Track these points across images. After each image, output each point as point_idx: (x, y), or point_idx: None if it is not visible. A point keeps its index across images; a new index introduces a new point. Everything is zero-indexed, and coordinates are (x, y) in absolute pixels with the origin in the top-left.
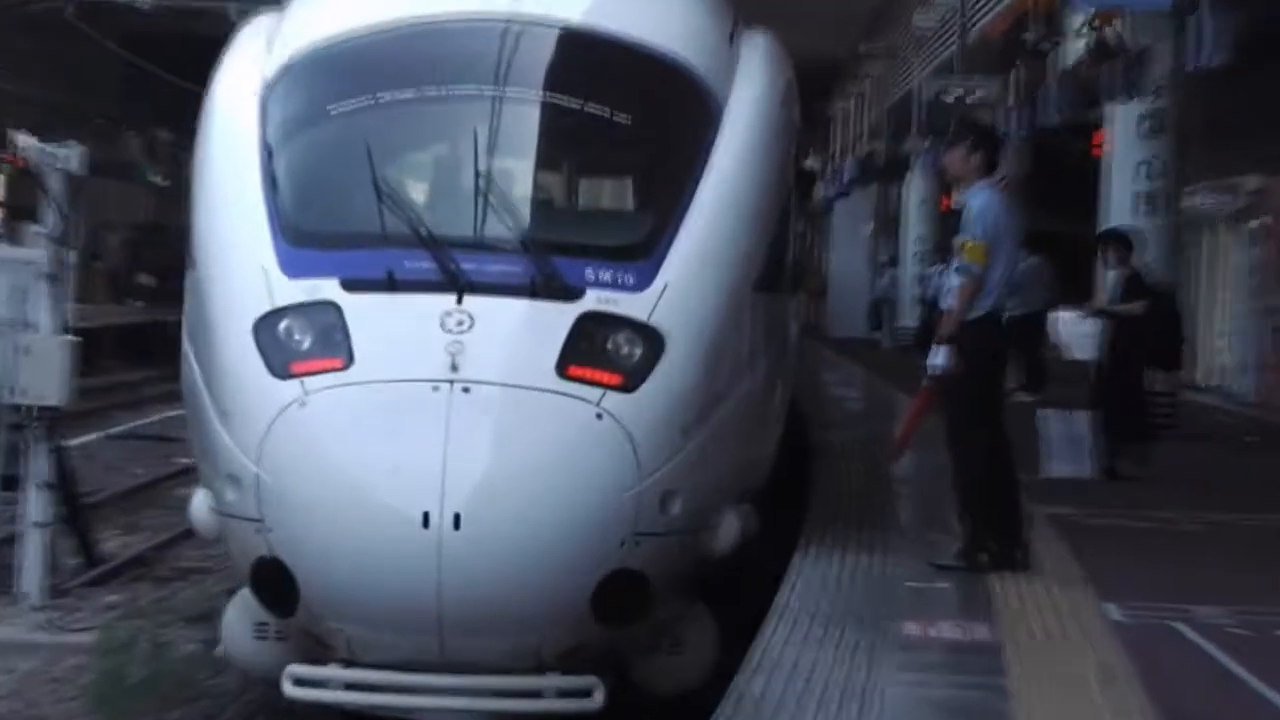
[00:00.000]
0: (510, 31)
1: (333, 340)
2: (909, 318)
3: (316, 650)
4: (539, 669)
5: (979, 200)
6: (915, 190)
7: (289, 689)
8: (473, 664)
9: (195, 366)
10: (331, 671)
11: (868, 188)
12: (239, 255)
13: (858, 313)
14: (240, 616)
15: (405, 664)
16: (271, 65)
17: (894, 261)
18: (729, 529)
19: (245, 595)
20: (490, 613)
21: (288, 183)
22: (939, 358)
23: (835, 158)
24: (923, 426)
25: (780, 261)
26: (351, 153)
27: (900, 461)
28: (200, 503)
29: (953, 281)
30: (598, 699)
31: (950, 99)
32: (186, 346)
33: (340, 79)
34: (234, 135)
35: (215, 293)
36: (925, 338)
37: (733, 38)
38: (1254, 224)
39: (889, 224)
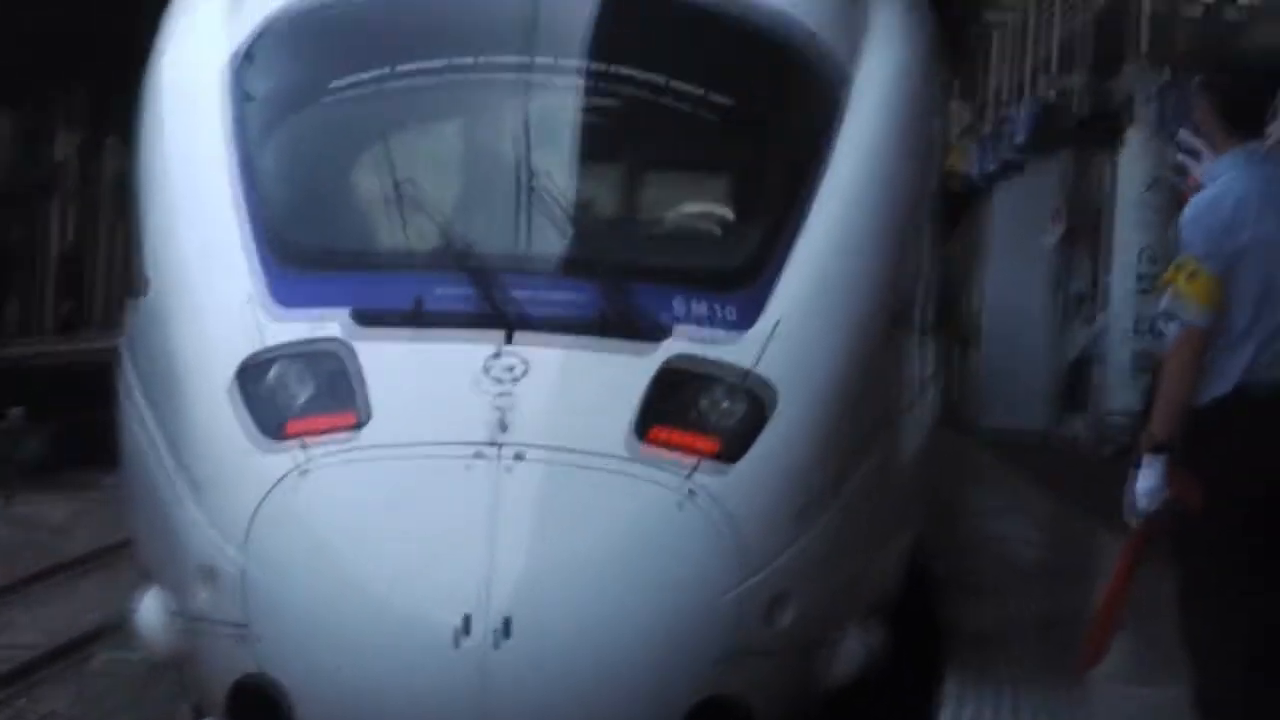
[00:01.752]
0: None
1: (341, 391)
2: (1126, 394)
3: None
4: None
5: (1208, 192)
6: (1137, 164)
7: None
8: None
9: (149, 423)
10: None
11: (1051, 159)
12: (212, 280)
13: (1031, 385)
14: None
15: None
16: (241, 28)
17: (1101, 295)
18: (853, 650)
19: None
20: None
21: (275, 185)
22: (1145, 481)
23: (994, 106)
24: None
25: (924, 293)
26: (360, 144)
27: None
28: (151, 605)
29: (1169, 335)
30: None
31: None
32: (134, 396)
33: (341, 46)
34: (195, 122)
35: (180, 328)
36: None
37: None
38: None
39: (1090, 225)
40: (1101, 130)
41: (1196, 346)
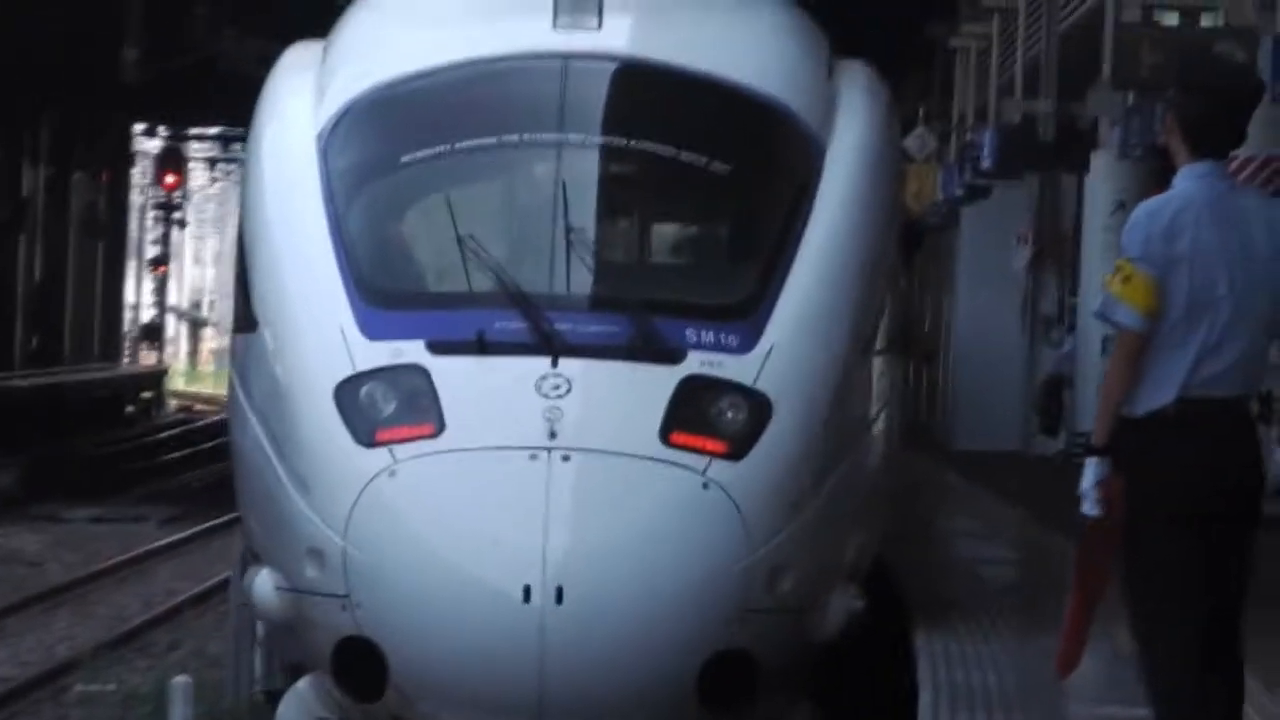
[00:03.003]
0: (593, 71)
1: (421, 406)
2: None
3: None
4: None
5: (1151, 200)
6: (1104, 186)
7: None
8: None
9: (260, 434)
10: None
11: (1018, 182)
12: (313, 317)
13: (1003, 406)
14: (297, 713)
15: None
16: (326, 110)
17: (1069, 320)
18: (837, 610)
19: (301, 690)
20: (593, 692)
21: (361, 239)
22: (1084, 483)
23: (960, 127)
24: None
25: (890, 320)
26: (429, 205)
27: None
28: (264, 581)
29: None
30: None
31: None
32: (245, 412)
33: (409, 125)
34: (293, 188)
35: (287, 357)
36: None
37: (830, 71)
38: None
39: (1058, 248)
40: (1068, 153)
41: (1129, 350)
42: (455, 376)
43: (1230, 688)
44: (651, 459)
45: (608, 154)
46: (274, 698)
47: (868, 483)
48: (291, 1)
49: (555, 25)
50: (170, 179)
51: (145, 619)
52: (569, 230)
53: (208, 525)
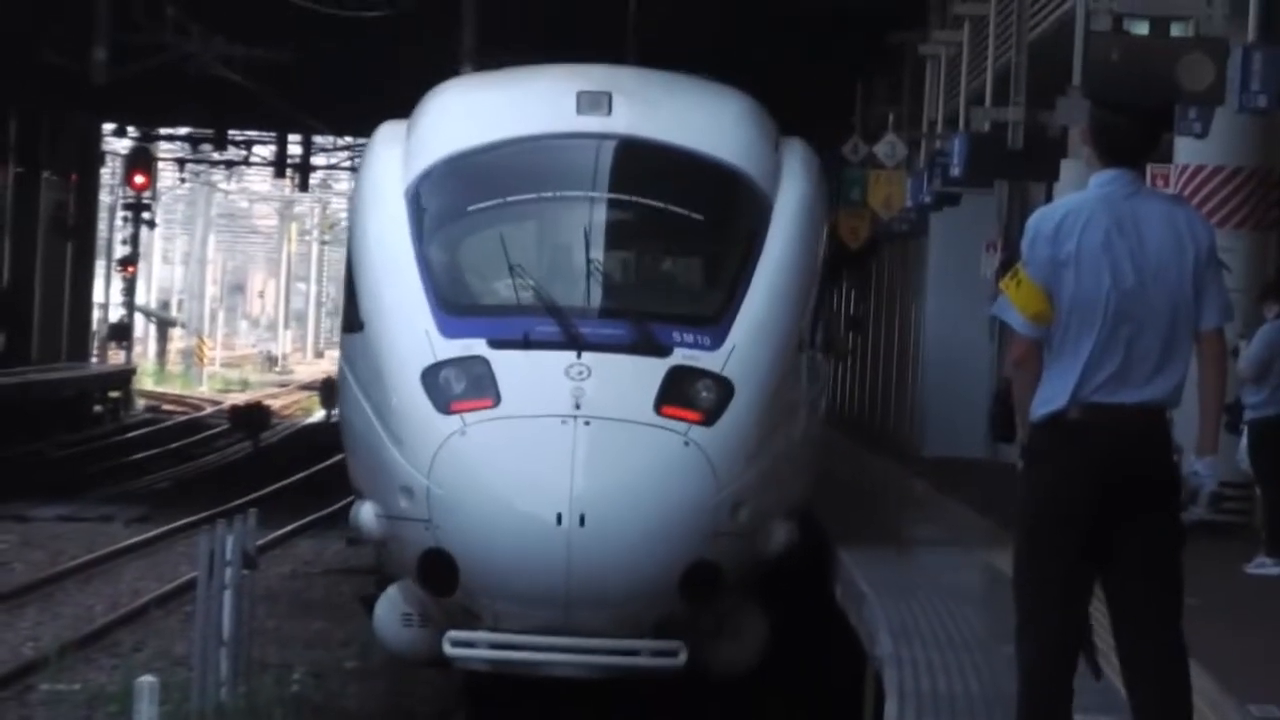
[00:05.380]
0: (606, 146)
1: (484, 386)
2: None
3: (459, 626)
4: (638, 635)
5: (1048, 205)
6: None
7: (449, 649)
8: (589, 630)
9: (365, 406)
10: (481, 635)
11: (989, 189)
12: (405, 321)
13: (971, 414)
14: (389, 611)
15: (537, 630)
16: (411, 172)
17: None
18: (779, 535)
19: (391, 593)
20: (605, 589)
21: (438, 265)
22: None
23: (930, 134)
24: None
25: (817, 327)
26: (487, 241)
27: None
28: (368, 511)
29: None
30: (681, 659)
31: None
32: (354, 390)
33: (472, 183)
34: (388, 228)
35: (385, 350)
36: None
37: (777, 146)
38: None
39: None
40: (1037, 161)
41: (1019, 353)
42: (508, 365)
43: (1174, 680)
44: (648, 424)
45: (616, 206)
46: (369, 604)
47: (802, 445)
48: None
49: (578, 113)
50: (139, 179)
51: (111, 619)
52: (589, 260)
53: (174, 525)
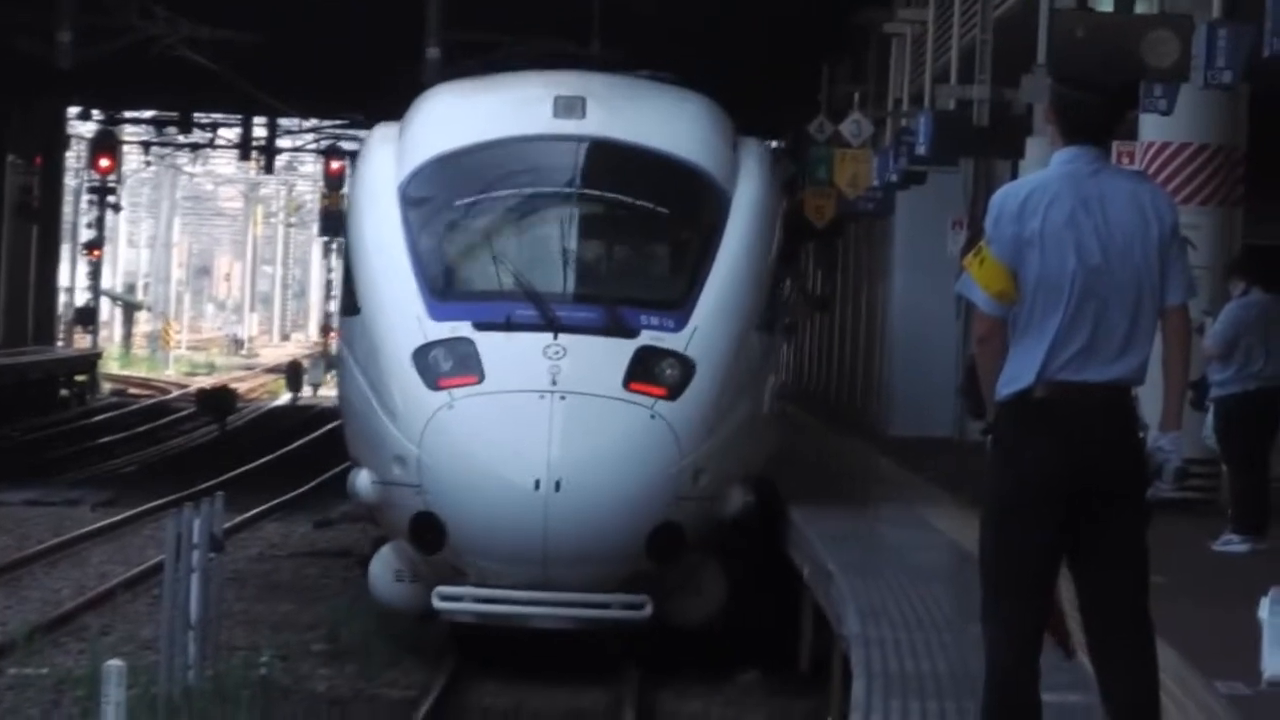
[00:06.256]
0: (581, 147)
1: (469, 364)
2: None
3: (447, 582)
4: (609, 590)
5: (1012, 183)
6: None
7: (437, 603)
8: (564, 585)
9: (362, 381)
10: (467, 590)
11: (955, 167)
12: (397, 305)
13: (937, 392)
14: (383, 568)
15: (518, 585)
16: (403, 170)
17: None
18: (736, 499)
19: (385, 553)
20: (579, 548)
21: (428, 254)
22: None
23: (896, 113)
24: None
25: (772, 309)
26: (474, 234)
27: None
28: (365, 478)
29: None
30: (647, 611)
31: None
32: (353, 368)
33: (459, 180)
34: (382, 220)
35: (380, 330)
36: None
37: (735, 145)
38: None
39: None
40: (1002, 139)
41: (982, 331)
42: (491, 345)
43: (1142, 661)
44: (618, 399)
45: (590, 201)
46: (364, 562)
47: (758, 418)
48: None
49: (555, 116)
50: (105, 162)
51: (78, 603)
52: (565, 250)
53: (141, 509)
